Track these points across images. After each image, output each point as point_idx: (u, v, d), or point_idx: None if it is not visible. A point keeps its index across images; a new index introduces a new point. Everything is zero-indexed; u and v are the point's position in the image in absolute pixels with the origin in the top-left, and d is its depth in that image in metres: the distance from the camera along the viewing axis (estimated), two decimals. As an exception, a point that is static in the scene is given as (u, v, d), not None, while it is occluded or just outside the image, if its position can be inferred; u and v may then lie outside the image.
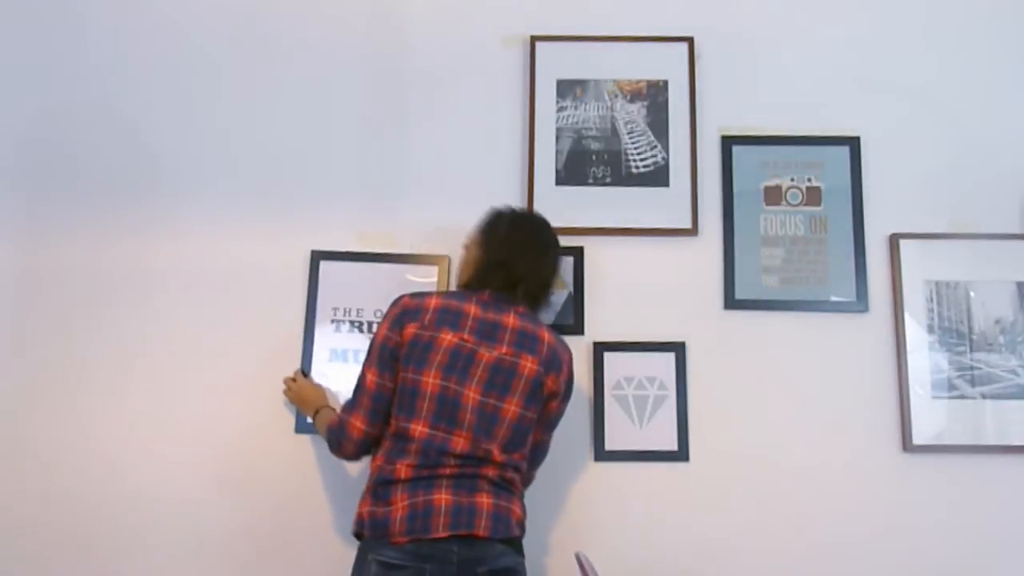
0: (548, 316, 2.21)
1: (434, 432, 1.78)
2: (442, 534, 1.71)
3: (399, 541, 1.72)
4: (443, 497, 1.75)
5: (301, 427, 2.20)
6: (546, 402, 1.90)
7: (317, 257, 2.28)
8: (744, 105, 2.39)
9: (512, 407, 1.82)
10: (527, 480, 1.98)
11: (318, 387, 2.19)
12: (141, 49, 2.42)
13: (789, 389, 2.24)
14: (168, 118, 2.38)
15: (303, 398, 2.16)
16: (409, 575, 1.70)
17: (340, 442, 1.88)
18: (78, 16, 2.44)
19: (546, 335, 1.90)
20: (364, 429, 1.86)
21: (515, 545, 1.81)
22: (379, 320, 1.95)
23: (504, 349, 1.84)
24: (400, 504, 1.75)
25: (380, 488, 1.79)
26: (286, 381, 2.20)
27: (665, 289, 2.29)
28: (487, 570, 1.73)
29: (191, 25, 2.43)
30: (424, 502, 1.74)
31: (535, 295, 1.95)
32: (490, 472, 1.80)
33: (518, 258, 1.92)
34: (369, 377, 1.86)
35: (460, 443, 1.78)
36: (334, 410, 2.03)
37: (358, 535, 1.81)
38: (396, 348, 1.84)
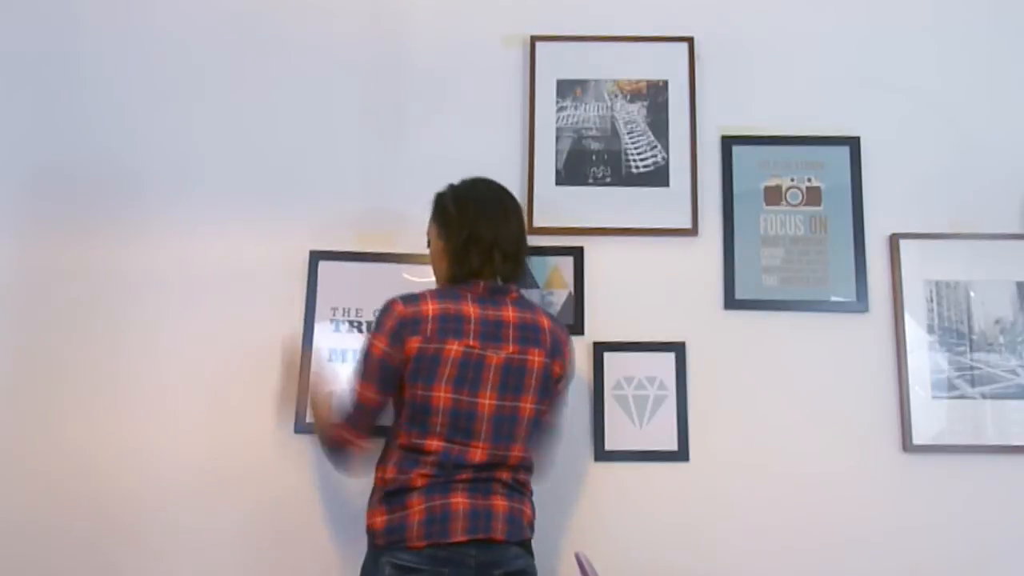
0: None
1: (450, 446, 1.76)
2: (461, 538, 1.70)
3: (417, 545, 1.70)
4: (460, 501, 1.73)
5: (300, 427, 2.20)
6: (553, 386, 1.89)
7: (316, 257, 2.28)
8: (744, 105, 2.38)
9: (528, 405, 1.81)
10: (549, 464, 1.99)
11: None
12: (141, 50, 2.42)
13: (789, 389, 2.24)
14: (168, 118, 2.38)
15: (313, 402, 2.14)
16: None
17: (342, 460, 1.87)
18: (72, 16, 2.44)
19: (544, 321, 1.88)
20: (366, 446, 1.84)
21: (527, 546, 1.82)
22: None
23: (511, 348, 1.81)
24: (417, 508, 1.73)
25: (393, 496, 1.76)
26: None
27: (665, 289, 2.29)
28: (503, 573, 1.73)
29: (190, 24, 2.43)
30: (441, 506, 1.73)
31: (514, 256, 1.87)
32: (504, 475, 1.79)
33: (480, 226, 1.85)
34: (366, 394, 1.79)
35: (478, 454, 1.76)
36: (332, 394, 1.97)
37: (374, 546, 1.78)
38: (399, 366, 1.77)
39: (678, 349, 2.25)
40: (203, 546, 2.18)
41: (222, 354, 2.25)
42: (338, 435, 1.84)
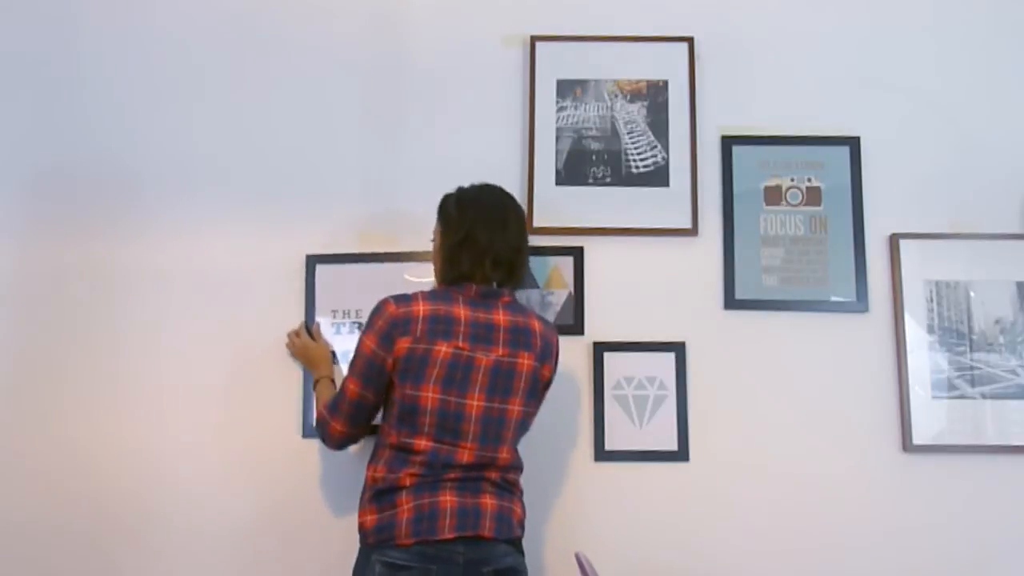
0: (548, 316, 2.22)
1: (439, 445, 1.78)
2: (448, 535, 1.72)
3: (405, 543, 1.72)
4: (448, 499, 1.75)
5: (308, 432, 2.20)
6: (541, 389, 1.91)
7: (312, 261, 2.28)
8: (744, 105, 2.38)
9: (516, 407, 1.83)
10: None
11: (321, 346, 2.20)
12: (141, 50, 2.41)
13: (789, 389, 2.24)
14: (168, 118, 2.38)
15: (308, 358, 2.18)
16: None
17: (323, 436, 1.96)
18: (72, 16, 2.44)
19: (536, 324, 1.89)
20: (344, 431, 1.92)
21: (517, 545, 1.82)
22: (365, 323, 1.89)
23: (501, 351, 1.82)
24: (405, 507, 1.75)
25: (383, 495, 1.78)
26: (289, 335, 2.22)
27: (665, 289, 2.29)
28: (492, 570, 1.74)
29: (190, 24, 2.43)
30: (430, 504, 1.74)
31: (508, 263, 1.89)
32: (493, 475, 1.80)
33: (477, 229, 1.87)
34: (351, 387, 1.86)
35: (465, 455, 1.78)
36: (333, 383, 2.10)
37: (365, 544, 1.80)
38: (384, 365, 1.81)
39: (678, 349, 2.24)
40: (203, 546, 2.18)
41: (223, 354, 2.25)
42: (319, 414, 1.96)
